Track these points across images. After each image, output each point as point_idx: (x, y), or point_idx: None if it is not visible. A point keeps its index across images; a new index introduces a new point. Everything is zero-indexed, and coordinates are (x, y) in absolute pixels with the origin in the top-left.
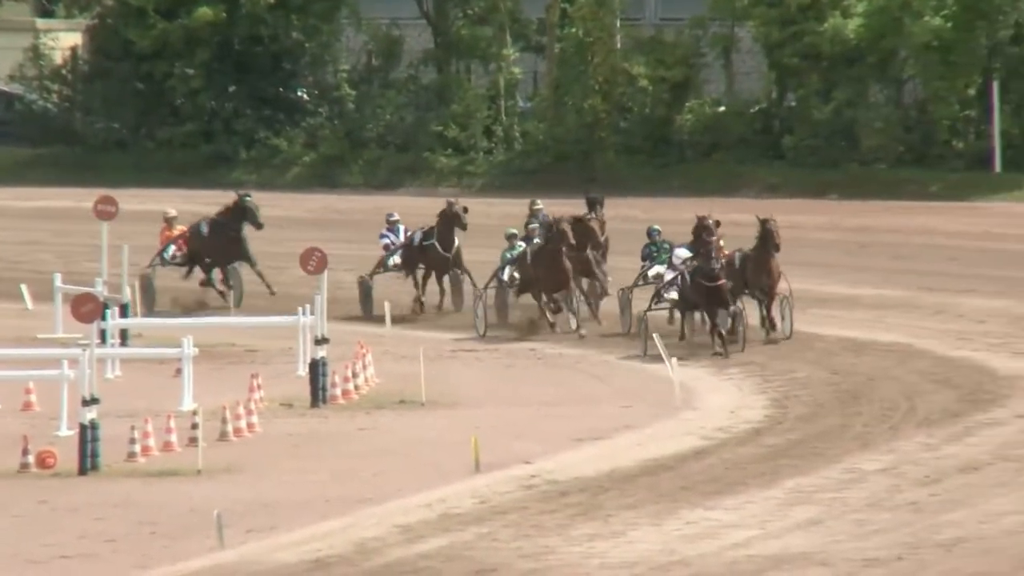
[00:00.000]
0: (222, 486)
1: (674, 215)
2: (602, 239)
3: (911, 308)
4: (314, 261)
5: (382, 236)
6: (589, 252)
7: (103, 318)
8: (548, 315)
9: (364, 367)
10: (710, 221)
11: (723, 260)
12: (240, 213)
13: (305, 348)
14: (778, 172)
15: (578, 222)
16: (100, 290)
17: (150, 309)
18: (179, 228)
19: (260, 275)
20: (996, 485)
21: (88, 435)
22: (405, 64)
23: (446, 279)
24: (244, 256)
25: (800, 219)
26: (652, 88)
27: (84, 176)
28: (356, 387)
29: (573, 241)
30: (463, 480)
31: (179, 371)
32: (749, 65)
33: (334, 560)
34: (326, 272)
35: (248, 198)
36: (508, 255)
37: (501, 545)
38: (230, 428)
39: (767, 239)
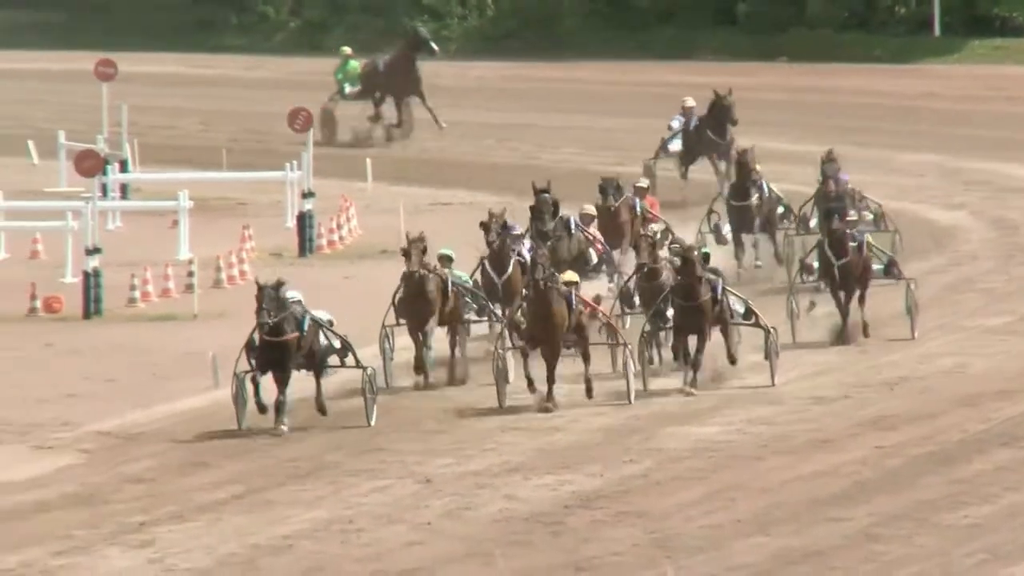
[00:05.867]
0: (216, 330)
1: (625, 77)
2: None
3: (852, 162)
4: (300, 120)
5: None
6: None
7: (104, 173)
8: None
9: (348, 220)
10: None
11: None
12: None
13: (293, 201)
14: (730, 36)
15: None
16: (101, 147)
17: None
18: None
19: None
20: (933, 328)
21: (91, 282)
22: None
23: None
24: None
25: (751, 81)
26: None
27: (76, 39)
28: (341, 238)
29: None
30: None
31: (175, 223)
32: None
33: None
34: (312, 130)
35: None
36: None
37: None
38: (223, 276)
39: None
